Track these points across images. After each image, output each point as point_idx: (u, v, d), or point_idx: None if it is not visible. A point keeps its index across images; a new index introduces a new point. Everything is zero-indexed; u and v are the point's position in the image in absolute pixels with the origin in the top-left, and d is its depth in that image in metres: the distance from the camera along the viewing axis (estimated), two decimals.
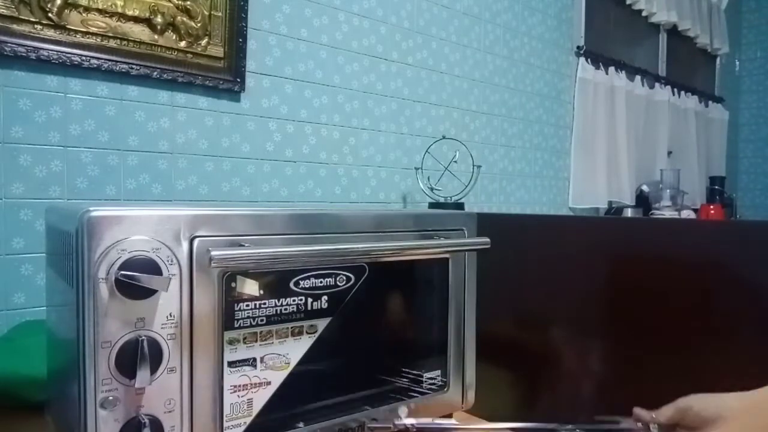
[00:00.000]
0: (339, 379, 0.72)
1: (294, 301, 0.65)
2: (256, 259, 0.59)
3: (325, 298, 0.67)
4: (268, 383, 0.63)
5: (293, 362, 0.65)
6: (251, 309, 0.61)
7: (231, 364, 0.60)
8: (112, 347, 0.52)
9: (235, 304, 0.60)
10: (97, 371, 0.51)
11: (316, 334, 0.67)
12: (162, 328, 0.54)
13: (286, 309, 0.64)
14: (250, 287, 0.61)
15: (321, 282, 0.67)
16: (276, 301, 0.63)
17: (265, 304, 0.62)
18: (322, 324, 0.67)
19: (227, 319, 0.59)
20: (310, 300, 0.66)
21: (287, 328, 0.65)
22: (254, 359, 0.62)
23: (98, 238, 0.51)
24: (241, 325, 0.61)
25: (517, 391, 0.97)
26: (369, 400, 0.73)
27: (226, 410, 0.59)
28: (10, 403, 0.78)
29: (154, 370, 0.54)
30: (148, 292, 0.53)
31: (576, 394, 0.90)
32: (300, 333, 0.66)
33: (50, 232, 0.72)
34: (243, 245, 0.59)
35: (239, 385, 0.60)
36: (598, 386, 0.88)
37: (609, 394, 0.86)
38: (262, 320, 0.62)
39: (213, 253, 0.55)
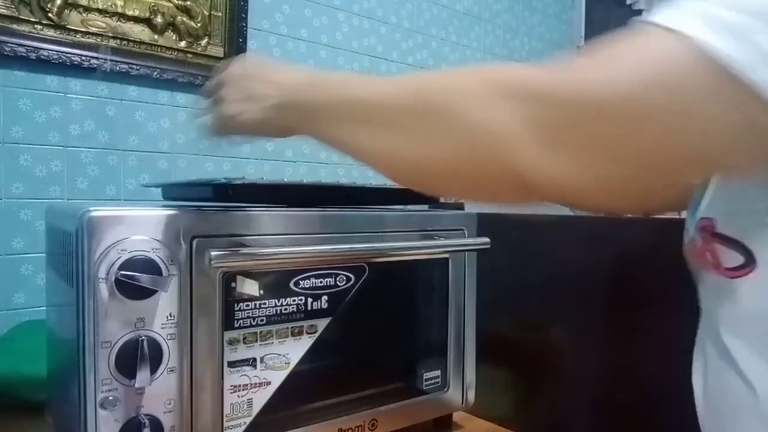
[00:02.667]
0: (339, 379, 0.72)
1: (294, 301, 0.65)
2: (256, 260, 0.59)
3: (325, 298, 0.67)
4: (268, 383, 0.63)
5: (293, 362, 0.65)
6: (251, 309, 0.61)
7: (231, 364, 0.60)
8: (112, 347, 0.52)
9: (235, 304, 0.60)
10: (97, 371, 0.51)
11: (316, 334, 0.67)
12: (162, 328, 0.55)
13: (286, 309, 0.64)
14: (250, 287, 0.61)
15: (321, 282, 0.67)
16: (276, 301, 0.63)
17: (265, 304, 0.62)
18: (322, 324, 0.67)
19: (227, 319, 0.59)
20: (310, 300, 0.66)
21: (287, 328, 0.64)
22: (254, 359, 0.62)
23: (98, 238, 0.51)
24: (241, 325, 0.61)
25: (517, 391, 0.97)
26: (369, 400, 0.73)
27: (226, 410, 0.59)
28: (10, 403, 0.78)
29: (154, 370, 0.54)
30: (148, 292, 0.53)
31: (576, 393, 0.90)
32: (300, 333, 0.66)
33: (50, 232, 0.72)
34: (243, 245, 0.59)
35: (239, 385, 0.60)
36: (598, 386, 0.88)
37: (609, 393, 0.86)
38: (262, 320, 0.62)
39: (213, 253, 0.55)
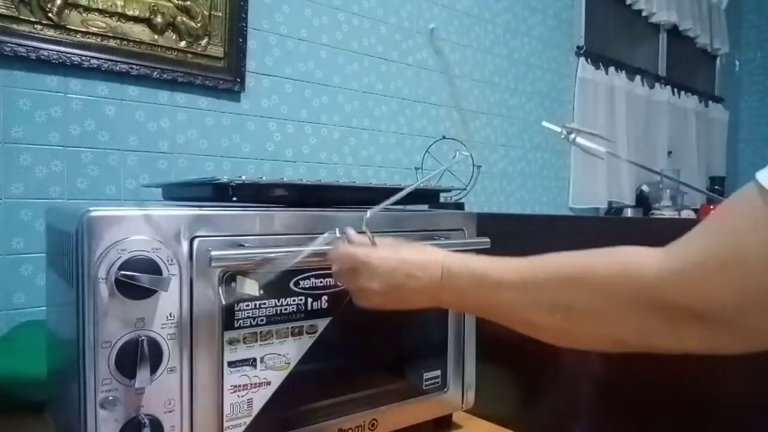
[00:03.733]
0: (339, 379, 0.72)
1: (294, 301, 0.65)
2: (257, 260, 0.59)
3: (325, 298, 0.67)
4: (268, 383, 0.63)
5: (293, 362, 0.65)
6: (251, 309, 0.61)
7: (231, 364, 0.60)
8: (112, 347, 0.52)
9: (235, 304, 0.60)
10: (97, 371, 0.51)
11: (316, 334, 0.67)
12: (162, 328, 0.55)
13: (286, 309, 0.64)
14: (250, 287, 0.61)
15: (321, 282, 0.67)
16: (276, 301, 0.63)
17: (265, 304, 0.62)
18: (322, 324, 0.67)
19: (227, 319, 0.59)
20: (310, 300, 0.66)
21: (287, 328, 0.64)
22: (254, 359, 0.62)
23: (98, 238, 0.51)
24: (241, 325, 0.61)
25: (517, 391, 0.97)
26: (369, 400, 0.73)
27: (226, 410, 0.59)
28: (10, 403, 0.78)
29: (154, 370, 0.54)
30: (148, 292, 0.53)
31: (576, 393, 0.90)
32: (300, 333, 0.65)
33: (50, 232, 0.72)
34: (243, 245, 0.59)
35: (239, 385, 0.60)
36: (597, 385, 0.88)
37: (609, 393, 0.86)
38: (262, 320, 0.62)
39: (213, 253, 0.55)
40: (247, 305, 0.61)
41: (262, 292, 0.62)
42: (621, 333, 0.43)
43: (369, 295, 0.58)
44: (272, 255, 0.59)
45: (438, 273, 0.54)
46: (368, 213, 0.60)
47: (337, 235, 0.61)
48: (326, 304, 0.67)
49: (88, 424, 0.51)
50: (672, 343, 0.41)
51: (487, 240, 0.78)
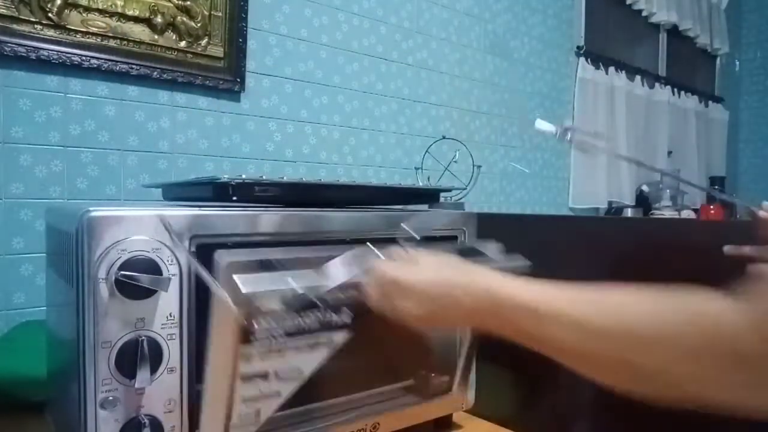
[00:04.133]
0: (345, 383, 0.71)
1: (315, 314, 0.62)
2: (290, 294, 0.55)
3: (345, 309, 0.64)
4: (279, 394, 0.61)
5: (306, 372, 0.63)
6: (269, 322, 0.58)
7: (244, 377, 0.58)
8: (112, 347, 0.52)
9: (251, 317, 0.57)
10: (97, 371, 0.51)
11: (332, 345, 0.65)
12: (162, 328, 0.54)
13: (305, 323, 0.61)
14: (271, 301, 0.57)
15: (344, 295, 0.64)
16: (296, 315, 0.61)
17: (285, 318, 0.60)
18: (340, 337, 0.65)
19: (243, 333, 0.57)
20: (330, 312, 0.63)
21: (305, 341, 0.62)
22: (267, 373, 0.60)
23: (98, 238, 0.51)
24: (258, 337, 0.57)
25: (517, 391, 0.97)
26: (372, 402, 0.73)
27: (234, 420, 0.58)
28: (10, 403, 0.78)
29: (154, 370, 0.54)
30: (148, 292, 0.53)
31: (576, 393, 0.90)
32: (316, 345, 0.63)
33: (50, 232, 0.72)
34: (272, 265, 0.57)
35: (250, 397, 0.59)
36: (598, 386, 0.88)
37: (609, 393, 0.86)
38: (280, 333, 0.60)
39: (243, 290, 0.51)
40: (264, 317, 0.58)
41: (283, 307, 0.59)
42: (702, 391, 0.42)
43: (404, 315, 0.56)
44: (306, 286, 0.56)
45: (481, 297, 0.52)
46: (405, 226, 0.56)
47: (371, 251, 0.57)
48: (347, 318, 0.65)
49: (88, 424, 0.51)
50: (756, 401, 0.40)
51: (528, 263, 0.74)
